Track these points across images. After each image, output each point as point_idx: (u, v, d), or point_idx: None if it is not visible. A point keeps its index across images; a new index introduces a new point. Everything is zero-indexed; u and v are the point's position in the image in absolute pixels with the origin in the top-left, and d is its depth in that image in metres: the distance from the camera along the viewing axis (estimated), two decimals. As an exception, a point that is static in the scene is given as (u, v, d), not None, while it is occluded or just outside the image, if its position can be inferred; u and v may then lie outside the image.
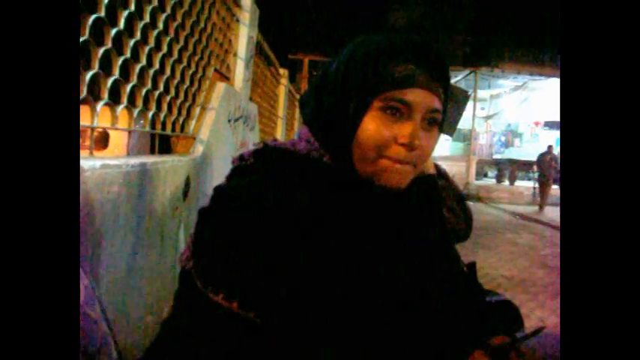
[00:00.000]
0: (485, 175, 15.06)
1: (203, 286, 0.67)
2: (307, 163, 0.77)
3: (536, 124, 15.54)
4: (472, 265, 1.32)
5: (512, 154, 14.43)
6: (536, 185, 11.62)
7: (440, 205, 1.00)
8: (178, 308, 0.71)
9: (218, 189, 0.73)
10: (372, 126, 0.72)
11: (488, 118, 15.48)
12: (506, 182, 13.04)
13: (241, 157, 0.78)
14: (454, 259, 0.94)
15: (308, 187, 0.72)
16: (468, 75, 11.66)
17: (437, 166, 1.33)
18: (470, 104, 9.39)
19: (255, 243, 0.66)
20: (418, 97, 0.71)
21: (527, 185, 12.40)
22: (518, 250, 5.82)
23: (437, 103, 0.74)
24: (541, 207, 10.68)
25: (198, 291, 0.67)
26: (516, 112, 15.68)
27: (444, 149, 14.11)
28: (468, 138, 12.68)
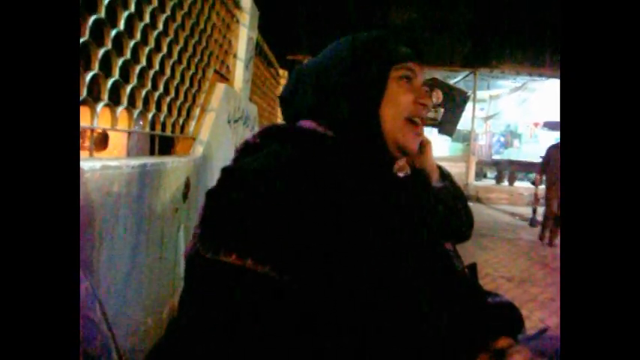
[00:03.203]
0: (485, 176, 15.07)
1: (214, 254, 0.66)
2: (314, 137, 0.83)
3: (536, 124, 15.52)
4: (473, 267, 1.32)
5: (512, 155, 14.43)
6: (538, 190, 6.93)
7: (432, 197, 1.10)
8: (190, 289, 0.70)
9: (226, 169, 0.75)
10: (398, 89, 0.85)
11: (487, 118, 15.49)
12: (506, 183, 13.03)
13: (246, 142, 0.83)
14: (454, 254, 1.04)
15: (317, 156, 0.77)
16: (467, 76, 11.66)
17: (439, 167, 1.33)
18: (469, 105, 9.39)
19: (268, 205, 0.68)
20: (417, 67, 0.88)
21: (526, 186, 12.35)
22: (517, 251, 5.81)
23: (423, 73, 0.91)
24: (550, 239, 6.11)
25: (209, 262, 0.66)
26: (516, 113, 15.69)
27: (443, 150, 14.09)
28: (467, 139, 12.67)
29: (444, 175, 1.31)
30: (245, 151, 0.82)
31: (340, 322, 0.70)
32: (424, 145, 1.29)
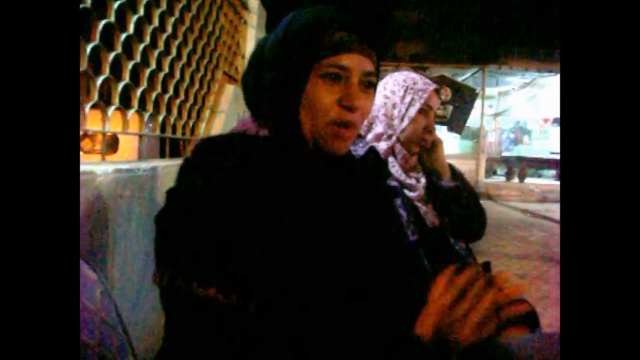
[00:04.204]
0: (495, 173, 14.97)
1: (181, 283, 0.66)
2: (244, 142, 0.79)
3: (545, 120, 15.38)
4: (486, 265, 1.31)
5: (522, 151, 14.33)
6: None
7: (385, 178, 1.02)
8: (167, 317, 0.72)
9: (170, 192, 0.73)
10: (315, 92, 0.76)
11: (496, 115, 15.39)
12: (516, 180, 12.95)
13: (185, 159, 0.78)
14: (399, 229, 1.00)
15: (250, 164, 0.73)
16: (475, 73, 11.60)
17: (451, 166, 1.32)
18: (478, 102, 9.32)
19: (219, 230, 0.67)
20: (353, 61, 0.76)
21: (537, 183, 12.26)
22: (529, 248, 5.77)
23: (370, 67, 0.79)
24: None
25: (175, 292, 0.66)
26: (525, 110, 15.57)
27: (453, 147, 14.00)
28: (476, 136, 12.60)
29: (456, 174, 1.31)
30: (185, 169, 0.76)
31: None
32: (436, 145, 1.29)
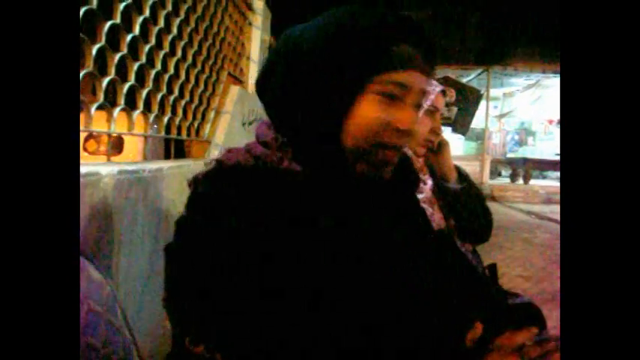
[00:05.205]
0: (499, 175, 14.95)
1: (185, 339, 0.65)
2: (266, 173, 0.69)
3: (550, 122, 15.36)
4: (493, 267, 1.30)
5: (526, 152, 14.30)
6: None
7: (415, 184, 0.91)
8: None
9: (180, 224, 0.68)
10: (369, 111, 0.66)
11: (501, 116, 15.36)
12: (521, 181, 12.91)
13: (196, 181, 0.69)
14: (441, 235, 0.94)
15: (271, 204, 0.64)
16: (480, 74, 11.57)
17: (457, 168, 1.32)
18: (482, 103, 9.30)
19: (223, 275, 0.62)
20: (415, 79, 0.68)
21: (542, 184, 12.23)
22: (534, 250, 5.75)
23: (426, 85, 0.71)
24: None
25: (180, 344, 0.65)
26: (530, 111, 15.54)
27: (457, 149, 13.98)
28: (481, 137, 12.59)
29: (463, 176, 1.30)
30: (194, 199, 0.68)
31: None
32: (443, 146, 1.29)
